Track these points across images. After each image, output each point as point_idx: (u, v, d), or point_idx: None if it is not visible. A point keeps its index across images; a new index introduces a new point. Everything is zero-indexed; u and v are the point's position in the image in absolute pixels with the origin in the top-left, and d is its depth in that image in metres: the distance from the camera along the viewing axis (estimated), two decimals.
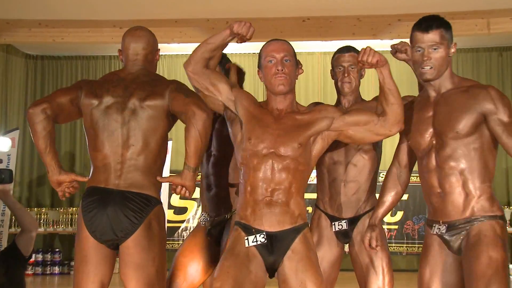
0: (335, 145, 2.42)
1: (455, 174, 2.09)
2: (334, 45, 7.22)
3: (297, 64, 2.24)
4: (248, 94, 2.23)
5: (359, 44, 7.43)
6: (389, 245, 7.22)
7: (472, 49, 7.44)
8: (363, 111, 2.20)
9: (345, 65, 2.63)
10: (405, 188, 2.31)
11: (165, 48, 6.85)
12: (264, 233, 2.06)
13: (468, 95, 2.11)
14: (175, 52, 7.25)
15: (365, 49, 2.10)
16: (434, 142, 2.15)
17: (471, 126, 2.09)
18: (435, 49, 2.12)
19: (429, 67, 2.13)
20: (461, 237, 2.07)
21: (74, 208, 6.83)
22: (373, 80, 7.34)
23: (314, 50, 7.37)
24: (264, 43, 2.26)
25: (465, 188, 2.08)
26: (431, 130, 2.17)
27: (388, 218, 7.26)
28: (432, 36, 2.11)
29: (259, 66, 2.23)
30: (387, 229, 7.27)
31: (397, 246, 7.16)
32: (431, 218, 2.15)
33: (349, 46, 2.72)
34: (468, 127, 2.09)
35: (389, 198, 2.29)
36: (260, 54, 2.23)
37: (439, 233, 2.11)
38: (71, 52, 7.26)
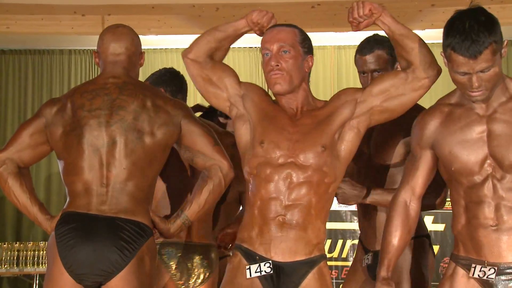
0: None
1: None
2: (350, 37, 7.25)
3: (306, 54, 2.20)
4: (259, 88, 2.26)
5: (382, 35, 7.57)
6: None
7: None
8: (385, 76, 2.22)
9: (368, 69, 2.57)
10: (414, 227, 2.24)
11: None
12: (270, 261, 2.03)
13: None
14: (153, 46, 7.19)
15: (353, 5, 2.15)
16: (490, 170, 2.09)
17: None
18: (485, 71, 2.05)
19: (481, 91, 2.08)
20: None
21: (21, 244, 6.65)
22: None
23: (326, 43, 7.31)
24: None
25: None
26: (486, 153, 2.10)
27: None
28: (481, 62, 2.03)
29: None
30: None
31: None
32: (469, 256, 2.11)
33: (372, 39, 2.64)
34: None
35: (397, 240, 2.19)
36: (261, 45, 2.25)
37: (484, 277, 2.06)
38: (19, 45, 7.14)
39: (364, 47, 2.59)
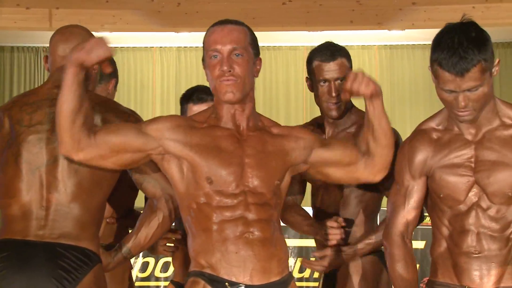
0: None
1: (501, 238, 2.14)
2: (324, 37, 7.32)
3: (256, 56, 2.12)
4: (174, 120, 2.11)
5: (359, 35, 7.65)
6: None
7: None
8: (347, 148, 2.21)
9: (331, 78, 2.55)
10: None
11: None
12: (243, 286, 2.02)
13: None
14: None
15: (357, 74, 2.09)
16: (476, 199, 2.15)
17: None
18: (473, 91, 2.07)
19: (468, 111, 2.09)
20: None
21: None
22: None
23: (298, 43, 7.38)
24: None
25: (509, 254, 2.15)
26: (472, 180, 2.15)
27: None
28: (469, 80, 2.04)
29: (203, 60, 2.13)
30: None
31: None
32: (448, 282, 2.20)
33: (332, 46, 2.63)
34: None
35: (412, 275, 2.24)
36: (203, 44, 2.13)
37: None
38: None
39: (326, 54, 2.60)
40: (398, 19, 6.05)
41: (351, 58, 2.68)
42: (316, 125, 2.70)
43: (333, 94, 2.54)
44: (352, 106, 2.64)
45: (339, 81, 2.54)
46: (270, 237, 2.05)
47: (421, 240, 7.23)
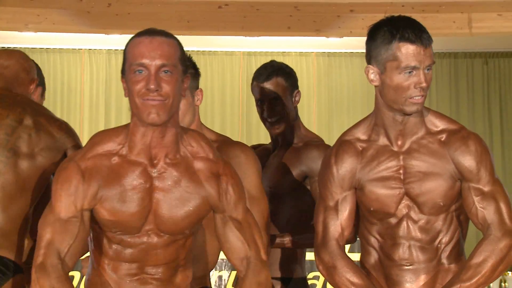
0: None
1: (431, 249, 2.18)
2: (261, 42, 7.39)
3: (184, 73, 1.95)
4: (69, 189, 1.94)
5: (297, 42, 7.69)
6: None
7: (450, 54, 7.76)
8: (249, 233, 2.05)
9: (266, 97, 2.69)
10: None
11: (15, 38, 6.61)
12: None
13: (444, 148, 2.15)
14: (30, 45, 7.09)
15: None
16: (406, 211, 2.17)
17: (453, 197, 2.16)
18: (427, 70, 2.10)
19: (422, 96, 2.10)
20: None
21: None
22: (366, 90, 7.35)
23: (234, 49, 7.38)
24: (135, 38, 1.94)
25: (439, 264, 2.20)
26: (401, 192, 2.17)
27: None
28: (429, 55, 2.09)
29: (123, 72, 1.95)
30: None
31: None
32: None
33: (270, 66, 2.73)
34: (449, 198, 2.15)
35: (366, 279, 2.19)
36: (124, 54, 1.94)
37: None
38: None
39: (262, 74, 2.68)
40: (336, 26, 6.12)
41: (289, 65, 2.73)
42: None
43: (264, 115, 2.64)
44: (295, 121, 2.71)
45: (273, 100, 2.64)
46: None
47: (358, 252, 7.33)
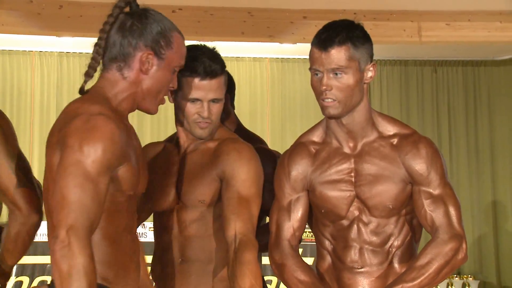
0: None
1: (382, 252, 2.20)
2: (216, 47, 7.37)
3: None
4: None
5: (251, 47, 7.73)
6: None
7: (400, 61, 7.90)
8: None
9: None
10: None
11: None
12: None
13: (395, 152, 2.17)
14: None
15: None
16: (357, 213, 2.20)
17: (403, 200, 2.18)
18: (337, 74, 2.10)
19: (330, 99, 2.12)
20: None
21: None
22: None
23: None
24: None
25: (390, 267, 2.22)
26: (352, 194, 2.20)
27: None
28: (333, 58, 2.10)
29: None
30: None
31: None
32: None
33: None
34: (400, 201, 2.17)
35: (314, 277, 2.22)
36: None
37: None
38: None
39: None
40: (290, 32, 6.18)
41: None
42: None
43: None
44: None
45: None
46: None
47: (310, 256, 7.41)
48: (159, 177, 2.26)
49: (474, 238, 7.82)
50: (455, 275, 7.35)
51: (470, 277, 7.39)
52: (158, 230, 2.31)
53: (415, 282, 2.08)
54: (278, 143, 7.71)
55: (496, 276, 7.76)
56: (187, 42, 2.10)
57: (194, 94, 2.18)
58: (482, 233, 7.86)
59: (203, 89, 2.18)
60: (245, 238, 2.10)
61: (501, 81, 7.95)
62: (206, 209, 2.22)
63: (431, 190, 2.15)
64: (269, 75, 7.88)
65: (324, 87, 2.10)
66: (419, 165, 2.14)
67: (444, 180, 2.16)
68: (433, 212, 2.14)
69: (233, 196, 2.15)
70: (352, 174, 2.19)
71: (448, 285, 7.31)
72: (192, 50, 2.19)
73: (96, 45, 1.92)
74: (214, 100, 2.20)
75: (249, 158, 2.21)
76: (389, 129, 2.21)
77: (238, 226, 2.11)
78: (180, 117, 2.24)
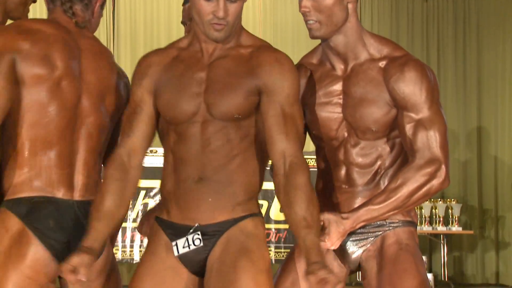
0: None
1: (369, 173, 2.20)
2: None
3: None
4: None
5: None
6: (277, 250, 7.58)
7: None
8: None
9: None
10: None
11: None
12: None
13: (382, 75, 2.14)
14: None
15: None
16: (346, 135, 2.21)
17: (387, 123, 2.16)
18: (233, 1, 2.02)
19: (312, 21, 2.13)
20: (363, 246, 2.20)
21: None
22: None
23: None
24: None
25: (377, 188, 2.20)
26: (340, 116, 2.21)
27: (276, 215, 7.58)
28: None
29: None
30: (275, 229, 7.59)
31: (287, 253, 7.50)
32: None
33: None
34: (383, 125, 2.16)
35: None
36: None
37: None
38: None
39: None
40: None
41: None
42: None
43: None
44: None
45: None
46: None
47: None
48: (181, 85, 2.08)
49: (459, 163, 8.08)
50: (438, 199, 7.62)
51: (453, 200, 7.67)
52: (174, 144, 2.12)
53: (382, 205, 2.08)
54: None
55: (478, 199, 8.05)
56: None
57: None
58: (467, 158, 8.12)
59: None
60: (296, 160, 2.01)
61: (490, 11, 7.96)
62: (235, 124, 2.06)
63: (413, 115, 2.11)
64: (261, 5, 7.90)
65: (303, 9, 2.11)
66: (402, 89, 2.11)
67: (429, 105, 2.11)
68: (412, 137, 2.10)
69: (277, 113, 2.02)
70: (341, 96, 2.20)
71: (432, 208, 7.59)
72: None
73: None
74: (231, 0, 2.02)
75: (292, 70, 2.09)
76: (381, 51, 2.18)
77: (287, 147, 2.01)
78: (195, 18, 2.05)
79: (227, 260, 2.03)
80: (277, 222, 7.60)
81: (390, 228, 2.18)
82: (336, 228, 2.07)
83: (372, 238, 2.19)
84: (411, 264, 2.12)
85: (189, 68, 2.10)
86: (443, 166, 2.09)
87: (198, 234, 2.06)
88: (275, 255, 7.56)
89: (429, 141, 2.09)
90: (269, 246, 7.60)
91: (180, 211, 2.09)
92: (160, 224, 2.14)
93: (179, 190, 2.09)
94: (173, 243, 2.09)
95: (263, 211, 7.58)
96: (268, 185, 7.47)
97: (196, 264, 2.10)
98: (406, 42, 8.05)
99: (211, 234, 2.07)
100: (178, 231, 2.09)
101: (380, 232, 2.18)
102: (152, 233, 2.18)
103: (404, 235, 2.17)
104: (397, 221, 2.18)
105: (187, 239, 2.07)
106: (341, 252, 2.22)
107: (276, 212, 7.59)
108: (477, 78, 8.08)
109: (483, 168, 8.05)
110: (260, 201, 7.67)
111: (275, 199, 7.59)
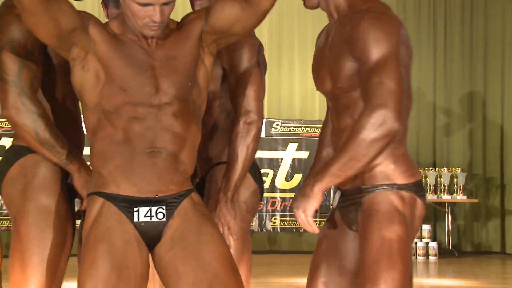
0: None
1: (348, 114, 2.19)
2: None
3: None
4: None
5: None
6: (283, 219, 7.62)
7: None
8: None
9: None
10: None
11: None
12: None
13: (349, 27, 2.14)
14: None
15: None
16: (330, 87, 2.22)
17: (350, 79, 2.16)
18: (169, 3, 2.06)
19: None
20: (353, 210, 2.20)
21: None
22: None
23: None
24: None
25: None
26: (327, 70, 2.23)
27: (282, 184, 7.62)
28: None
29: None
30: (280, 197, 7.64)
31: (292, 221, 7.57)
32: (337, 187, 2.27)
33: None
34: (346, 81, 2.16)
35: None
36: None
37: (335, 205, 2.27)
38: None
39: None
40: None
41: None
42: None
43: None
44: None
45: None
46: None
47: (305, 150, 7.69)
48: (132, 67, 2.11)
49: (464, 133, 8.11)
50: (443, 168, 7.67)
51: (458, 169, 7.70)
52: (124, 121, 2.12)
53: (340, 162, 2.08)
54: (275, 39, 7.81)
55: (482, 168, 8.12)
56: None
57: None
58: (472, 127, 8.14)
59: None
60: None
61: None
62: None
63: (363, 66, 2.10)
64: None
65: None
66: (355, 41, 2.10)
67: (376, 54, 2.08)
68: (362, 86, 2.11)
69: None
70: (327, 47, 2.23)
71: (437, 177, 7.64)
72: None
73: None
74: (166, 3, 2.05)
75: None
76: (360, 6, 2.17)
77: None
78: (129, 16, 2.09)
79: (192, 227, 2.12)
80: (282, 190, 7.65)
81: (366, 194, 2.15)
82: (299, 213, 2.12)
83: (353, 206, 2.19)
84: (373, 228, 2.09)
85: (133, 52, 2.13)
86: (388, 111, 2.04)
87: (163, 208, 2.11)
88: (280, 223, 7.61)
89: (375, 89, 2.06)
90: (275, 215, 7.65)
91: (132, 184, 2.12)
92: (107, 198, 2.13)
93: (127, 165, 2.11)
94: (135, 209, 2.11)
95: (269, 180, 7.61)
96: (273, 154, 7.59)
97: (152, 236, 2.13)
98: (413, 7, 8.02)
99: (169, 206, 2.13)
100: (134, 204, 2.12)
101: (360, 198, 2.17)
102: (94, 207, 2.14)
103: (375, 200, 2.13)
104: (370, 186, 2.15)
105: (150, 209, 2.11)
106: (345, 219, 2.24)
107: (281, 181, 7.64)
108: (484, 45, 8.07)
109: (487, 137, 8.08)
110: (266, 170, 7.73)
111: (281, 168, 7.65)
